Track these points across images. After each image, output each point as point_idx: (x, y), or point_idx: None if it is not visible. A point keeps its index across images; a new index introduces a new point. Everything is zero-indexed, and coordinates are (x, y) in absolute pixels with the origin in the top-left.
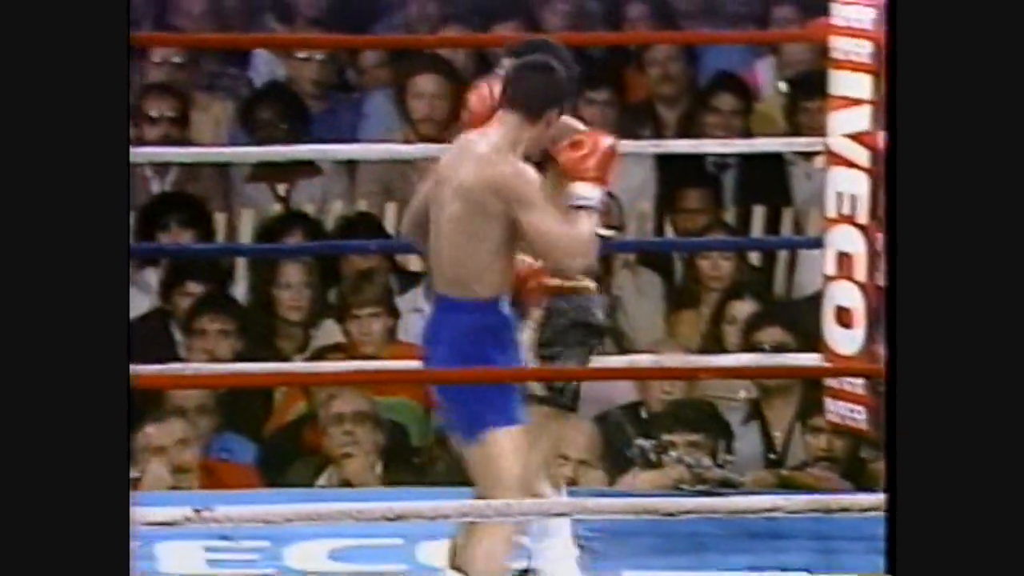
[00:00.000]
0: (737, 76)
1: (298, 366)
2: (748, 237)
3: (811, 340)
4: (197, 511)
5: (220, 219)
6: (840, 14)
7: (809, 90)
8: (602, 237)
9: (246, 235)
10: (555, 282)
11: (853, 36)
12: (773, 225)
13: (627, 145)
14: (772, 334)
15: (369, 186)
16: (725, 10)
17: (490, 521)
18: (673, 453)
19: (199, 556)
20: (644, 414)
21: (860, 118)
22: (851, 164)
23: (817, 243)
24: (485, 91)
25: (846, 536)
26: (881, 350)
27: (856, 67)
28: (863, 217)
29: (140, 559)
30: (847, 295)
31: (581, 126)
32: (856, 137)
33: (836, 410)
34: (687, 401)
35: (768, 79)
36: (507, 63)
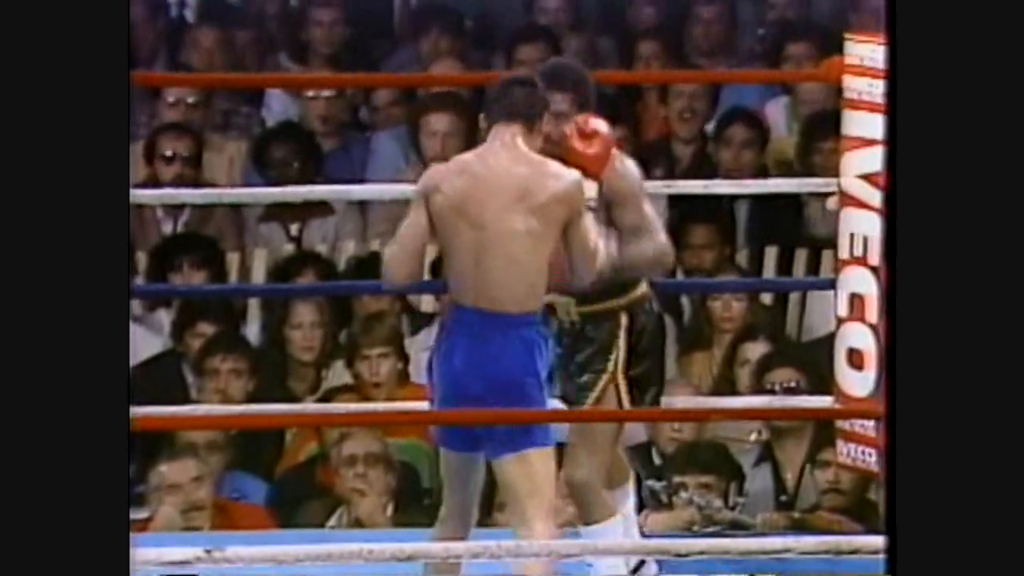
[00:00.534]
0: (749, 110)
1: (310, 407)
2: (760, 278)
3: (823, 382)
4: (208, 551)
5: (233, 259)
6: (854, 52)
7: (823, 130)
8: None
9: (259, 275)
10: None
11: (867, 76)
12: (786, 266)
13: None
14: (784, 375)
15: (381, 225)
16: (739, 48)
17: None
18: (684, 494)
19: None
20: (655, 455)
21: (873, 159)
22: (864, 205)
23: (830, 284)
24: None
25: None
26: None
27: (870, 107)
28: (875, 258)
29: None
30: (859, 337)
31: None
32: (869, 178)
33: (847, 452)
34: (699, 442)
35: (781, 118)
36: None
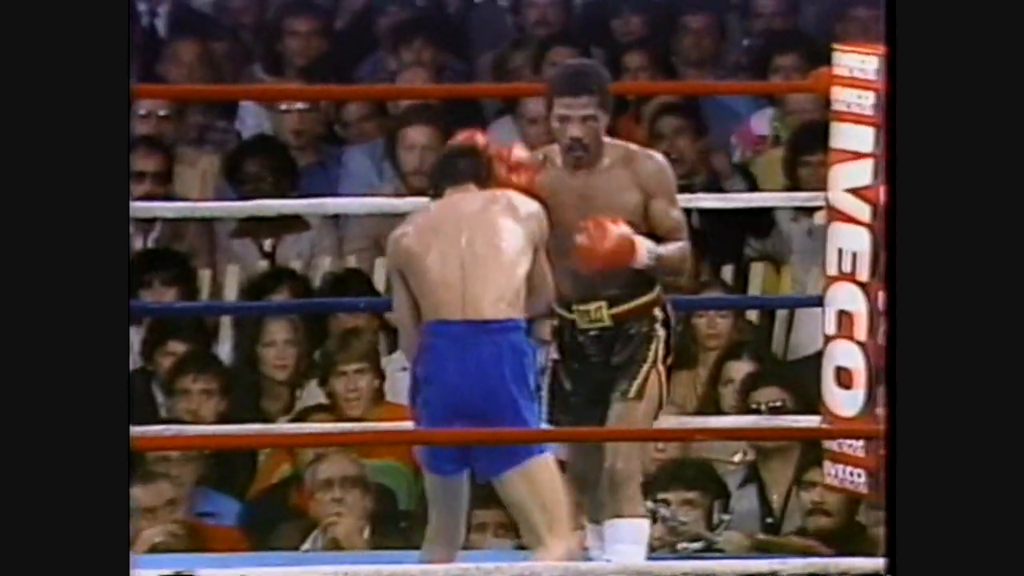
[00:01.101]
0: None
1: (284, 427)
2: (746, 295)
3: (810, 401)
4: (179, 575)
5: (205, 276)
6: (842, 63)
7: (810, 143)
8: None
9: (231, 292)
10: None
11: (855, 87)
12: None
13: None
14: (770, 395)
15: (358, 241)
16: (726, 60)
17: None
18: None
19: None
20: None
21: (862, 172)
22: (852, 220)
23: (817, 301)
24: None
25: None
26: (881, 412)
27: (858, 119)
28: (864, 274)
29: None
30: (847, 355)
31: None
32: (857, 192)
33: (835, 473)
34: (683, 460)
35: (767, 130)
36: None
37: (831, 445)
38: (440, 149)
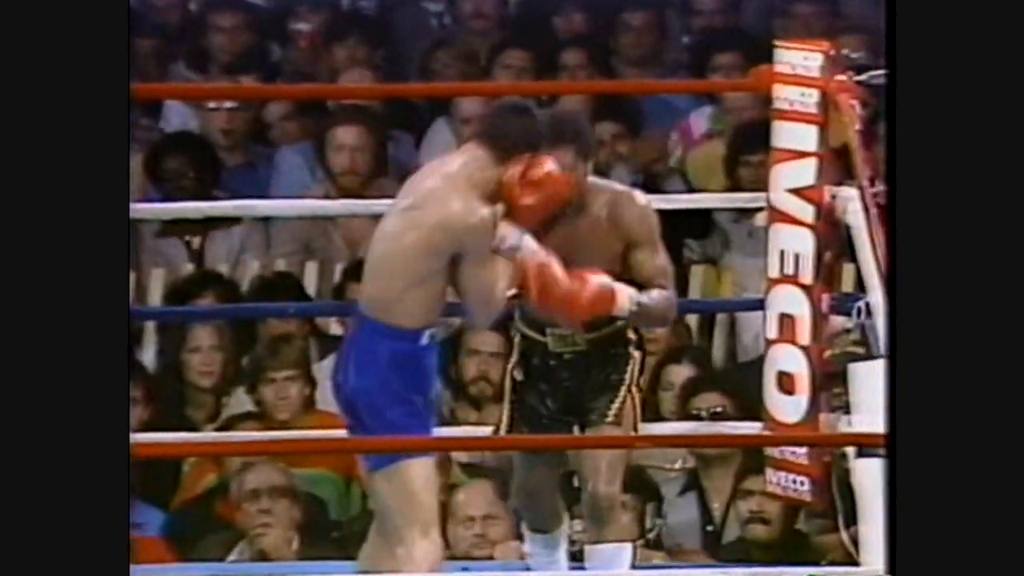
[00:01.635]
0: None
1: (209, 436)
2: (686, 299)
3: (752, 407)
4: None
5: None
6: (785, 60)
7: (751, 141)
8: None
9: (156, 296)
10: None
11: (799, 84)
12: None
13: None
14: (711, 400)
15: (287, 244)
16: (666, 57)
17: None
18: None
19: None
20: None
21: (805, 172)
22: (795, 221)
23: (759, 305)
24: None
25: None
26: (825, 418)
27: (801, 118)
28: (807, 277)
29: None
30: (790, 359)
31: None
32: (800, 192)
33: (777, 480)
34: None
35: (705, 129)
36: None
37: (773, 452)
38: (371, 150)
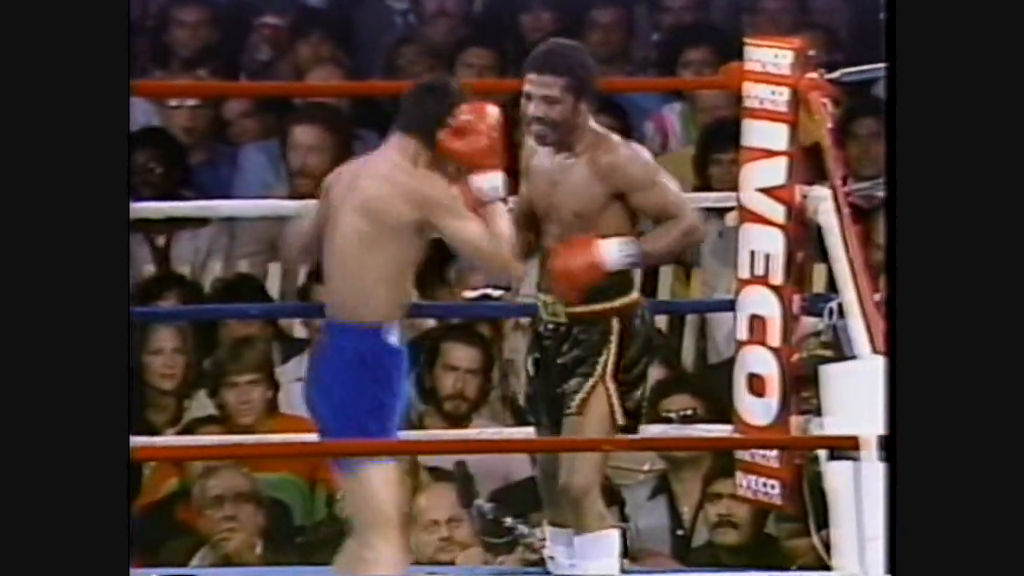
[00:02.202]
0: None
1: (170, 440)
2: (655, 299)
3: (722, 409)
4: None
5: None
6: (755, 58)
7: (721, 140)
8: (491, 297)
9: None
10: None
11: (769, 83)
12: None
13: None
14: (681, 403)
15: (250, 245)
16: (635, 55)
17: None
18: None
19: None
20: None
21: (775, 171)
22: (765, 221)
23: (729, 306)
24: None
25: None
26: (796, 420)
27: (771, 116)
28: (778, 278)
29: None
30: (760, 361)
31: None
32: (771, 192)
33: (747, 484)
34: None
35: (677, 127)
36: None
37: (744, 455)
38: (331, 150)
